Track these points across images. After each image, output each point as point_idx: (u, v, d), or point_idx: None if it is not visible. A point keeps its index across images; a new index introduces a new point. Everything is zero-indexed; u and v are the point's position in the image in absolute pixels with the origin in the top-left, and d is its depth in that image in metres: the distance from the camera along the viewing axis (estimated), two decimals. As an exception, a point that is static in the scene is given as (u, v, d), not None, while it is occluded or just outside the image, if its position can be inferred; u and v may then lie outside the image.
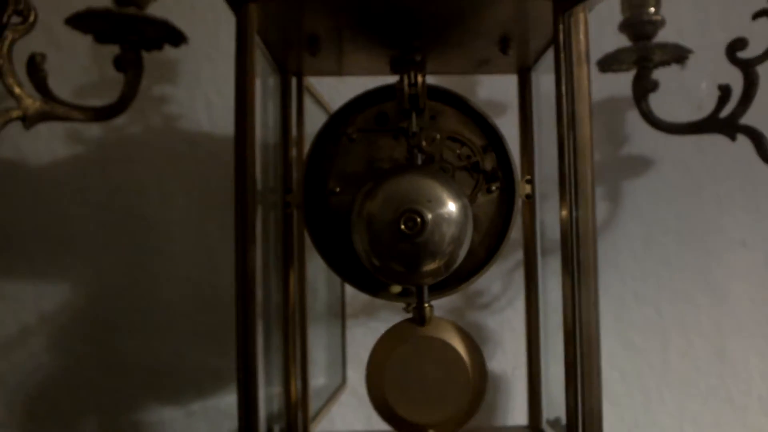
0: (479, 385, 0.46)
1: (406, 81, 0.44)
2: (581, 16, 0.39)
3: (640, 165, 0.76)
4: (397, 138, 0.46)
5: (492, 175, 0.46)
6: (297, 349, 0.58)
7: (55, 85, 0.53)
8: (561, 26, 0.40)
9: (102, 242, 0.72)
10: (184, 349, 0.72)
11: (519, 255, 0.62)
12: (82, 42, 0.69)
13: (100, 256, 0.72)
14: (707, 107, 0.60)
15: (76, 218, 0.72)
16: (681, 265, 0.76)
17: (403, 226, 0.39)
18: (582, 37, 0.39)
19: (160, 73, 0.71)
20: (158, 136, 0.73)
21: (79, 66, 0.71)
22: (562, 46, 0.39)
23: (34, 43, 0.54)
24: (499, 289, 0.74)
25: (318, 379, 0.65)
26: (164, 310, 0.72)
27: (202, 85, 0.73)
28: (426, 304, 0.45)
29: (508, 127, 0.55)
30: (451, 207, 0.41)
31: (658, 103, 0.63)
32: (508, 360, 0.75)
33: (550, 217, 0.56)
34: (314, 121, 0.59)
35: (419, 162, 0.45)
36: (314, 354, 0.62)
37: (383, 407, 0.46)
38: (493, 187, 0.47)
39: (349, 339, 0.72)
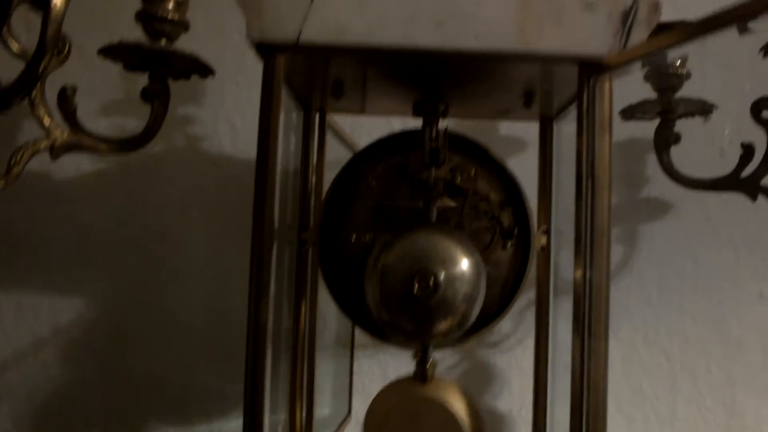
0: None
1: (427, 134, 0.44)
2: (606, 83, 0.39)
3: (659, 208, 0.75)
4: (415, 189, 0.46)
5: (508, 232, 0.46)
6: (304, 377, 0.58)
7: (83, 101, 0.52)
8: (586, 91, 0.39)
9: (119, 258, 0.72)
10: (194, 370, 0.72)
11: (530, 294, 0.60)
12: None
13: (117, 272, 0.72)
14: (729, 152, 0.59)
15: (95, 233, 0.72)
16: (694, 313, 0.74)
17: (416, 286, 0.39)
18: (606, 104, 0.39)
19: (186, 94, 0.72)
20: (181, 156, 0.73)
21: (108, 84, 0.72)
22: (585, 112, 0.39)
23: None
24: (509, 329, 0.74)
25: (323, 408, 0.64)
26: (176, 329, 0.72)
27: (226, 107, 0.74)
28: (429, 363, 0.45)
29: (527, 166, 0.55)
30: (464, 266, 0.41)
31: (678, 146, 0.61)
32: (514, 400, 0.74)
33: (564, 258, 0.55)
34: (335, 155, 0.59)
35: (434, 213, 0.45)
36: (321, 383, 0.62)
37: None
38: (509, 244, 0.47)
39: (356, 369, 0.71)
